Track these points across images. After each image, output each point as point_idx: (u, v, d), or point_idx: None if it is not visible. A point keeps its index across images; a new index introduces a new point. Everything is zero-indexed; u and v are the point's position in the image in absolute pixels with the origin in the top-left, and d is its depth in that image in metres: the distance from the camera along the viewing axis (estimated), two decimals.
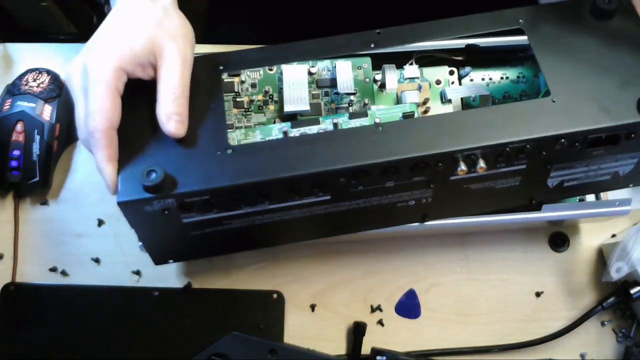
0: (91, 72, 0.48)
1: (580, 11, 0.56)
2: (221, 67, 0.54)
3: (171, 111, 0.49)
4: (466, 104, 0.64)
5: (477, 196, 0.55)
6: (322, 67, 0.63)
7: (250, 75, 0.62)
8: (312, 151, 0.50)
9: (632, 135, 0.51)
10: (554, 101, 0.51)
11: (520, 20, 0.56)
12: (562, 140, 0.50)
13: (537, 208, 0.59)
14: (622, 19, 0.55)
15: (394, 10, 0.81)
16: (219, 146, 0.50)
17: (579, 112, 0.50)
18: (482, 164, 0.50)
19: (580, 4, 0.56)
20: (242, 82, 0.62)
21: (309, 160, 0.49)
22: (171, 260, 0.57)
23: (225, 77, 0.57)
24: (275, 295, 0.66)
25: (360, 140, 0.50)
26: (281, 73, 0.62)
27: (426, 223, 0.58)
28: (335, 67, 0.62)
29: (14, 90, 0.68)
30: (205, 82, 0.53)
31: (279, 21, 0.83)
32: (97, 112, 0.48)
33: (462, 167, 0.50)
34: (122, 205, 0.48)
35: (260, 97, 0.62)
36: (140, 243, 0.56)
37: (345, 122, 0.56)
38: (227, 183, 0.48)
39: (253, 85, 0.62)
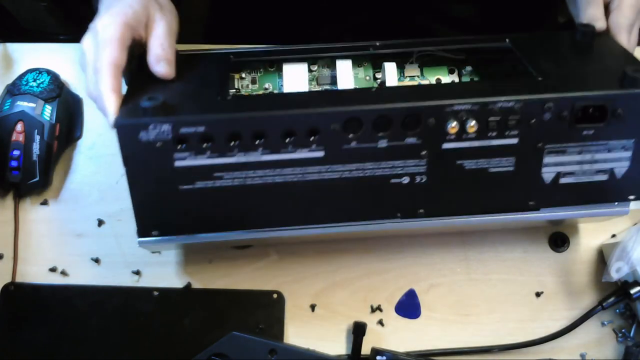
0: (100, 31, 0.53)
1: (563, 36, 0.62)
2: (231, 56, 0.61)
3: (160, 55, 0.54)
4: None
5: (472, 183, 0.55)
6: (322, 65, 0.63)
7: (251, 73, 0.62)
8: (309, 99, 0.54)
9: (618, 111, 0.52)
10: (540, 79, 0.54)
11: (507, 40, 0.60)
12: (550, 103, 0.52)
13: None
14: (602, 42, 0.60)
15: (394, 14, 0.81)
16: (220, 95, 0.53)
17: (564, 85, 0.53)
18: (472, 122, 0.51)
19: (563, 33, 0.62)
20: (242, 78, 0.62)
21: (305, 104, 0.52)
22: (156, 232, 0.55)
23: (233, 59, 0.61)
24: (275, 295, 0.66)
25: (355, 94, 0.56)
26: (281, 70, 0.62)
27: (426, 222, 0.58)
28: (335, 65, 0.62)
29: (14, 90, 0.68)
30: (214, 63, 0.59)
31: (280, 21, 0.83)
32: (105, 53, 0.52)
33: (453, 123, 0.51)
34: (119, 129, 0.50)
35: (260, 93, 0.62)
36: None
37: None
38: (224, 115, 0.51)
39: (253, 82, 0.62)
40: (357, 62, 0.63)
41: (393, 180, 0.55)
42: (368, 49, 0.61)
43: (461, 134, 0.52)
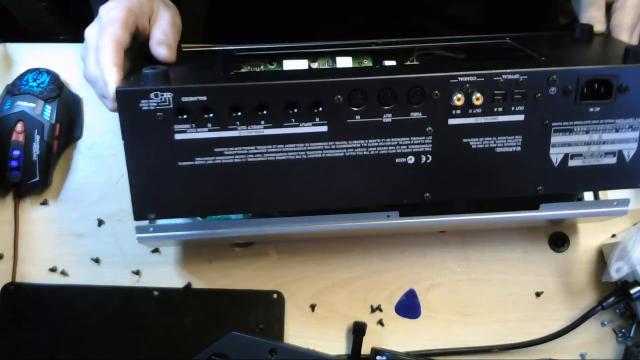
0: (104, 15, 0.53)
1: (562, 35, 0.62)
2: (235, 52, 0.61)
3: (162, 39, 0.55)
4: None
5: (479, 163, 0.54)
6: (322, 62, 0.63)
7: (251, 70, 0.62)
8: (314, 72, 0.54)
9: (623, 85, 0.52)
10: (543, 59, 0.55)
11: (507, 38, 0.61)
12: (554, 76, 0.52)
13: (535, 207, 0.59)
14: (601, 39, 0.60)
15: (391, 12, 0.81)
16: (224, 71, 0.54)
17: (567, 61, 0.54)
18: (477, 94, 0.51)
19: (562, 32, 0.63)
20: None
21: (308, 76, 0.51)
22: (152, 215, 0.53)
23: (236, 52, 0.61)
24: (275, 295, 0.66)
25: (359, 69, 0.56)
26: (282, 67, 0.62)
27: (426, 220, 0.58)
28: (335, 62, 0.62)
29: (14, 90, 0.68)
30: (218, 58, 0.59)
31: (279, 22, 0.83)
32: (107, 31, 0.51)
33: (459, 95, 0.51)
34: (120, 95, 0.49)
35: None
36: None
37: None
38: (227, 84, 0.50)
39: None
40: (357, 60, 0.63)
41: (398, 160, 0.53)
42: (368, 46, 0.61)
43: (467, 109, 0.52)
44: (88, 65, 0.53)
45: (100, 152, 0.69)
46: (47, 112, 0.67)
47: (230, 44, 0.66)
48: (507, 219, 0.60)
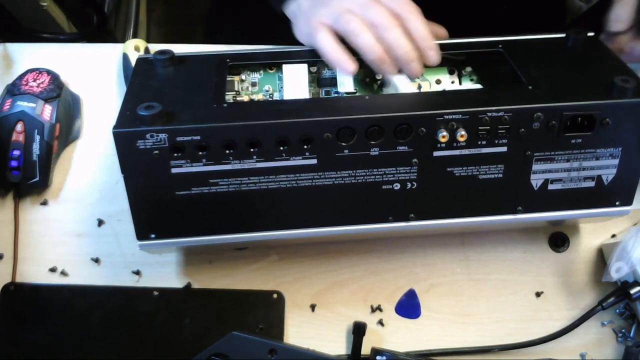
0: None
1: (554, 42, 0.62)
2: (228, 60, 0.61)
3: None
4: None
5: (462, 189, 0.56)
6: (322, 66, 0.63)
7: (251, 75, 0.62)
8: (304, 107, 0.54)
9: (607, 120, 0.53)
10: (530, 88, 0.55)
11: (499, 45, 0.61)
12: (539, 113, 0.52)
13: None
14: (593, 48, 0.60)
15: None
16: (216, 101, 0.54)
17: (553, 94, 0.54)
18: (462, 131, 0.52)
19: (555, 38, 0.63)
20: (242, 80, 0.62)
21: (299, 113, 0.53)
22: (153, 235, 0.56)
23: (230, 62, 0.61)
24: (275, 295, 0.66)
25: (348, 103, 0.56)
26: (281, 72, 0.62)
27: (426, 223, 0.58)
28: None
29: (14, 90, 0.68)
30: (213, 67, 0.59)
31: (280, 21, 0.83)
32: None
33: (444, 132, 0.52)
34: (117, 136, 0.51)
35: (260, 96, 0.62)
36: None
37: None
38: (220, 124, 0.51)
39: (253, 84, 0.62)
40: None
41: (384, 187, 0.56)
42: None
43: (451, 143, 0.53)
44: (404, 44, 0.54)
45: (100, 152, 0.69)
46: (47, 112, 0.67)
47: (231, 43, 0.66)
48: (510, 221, 0.60)
